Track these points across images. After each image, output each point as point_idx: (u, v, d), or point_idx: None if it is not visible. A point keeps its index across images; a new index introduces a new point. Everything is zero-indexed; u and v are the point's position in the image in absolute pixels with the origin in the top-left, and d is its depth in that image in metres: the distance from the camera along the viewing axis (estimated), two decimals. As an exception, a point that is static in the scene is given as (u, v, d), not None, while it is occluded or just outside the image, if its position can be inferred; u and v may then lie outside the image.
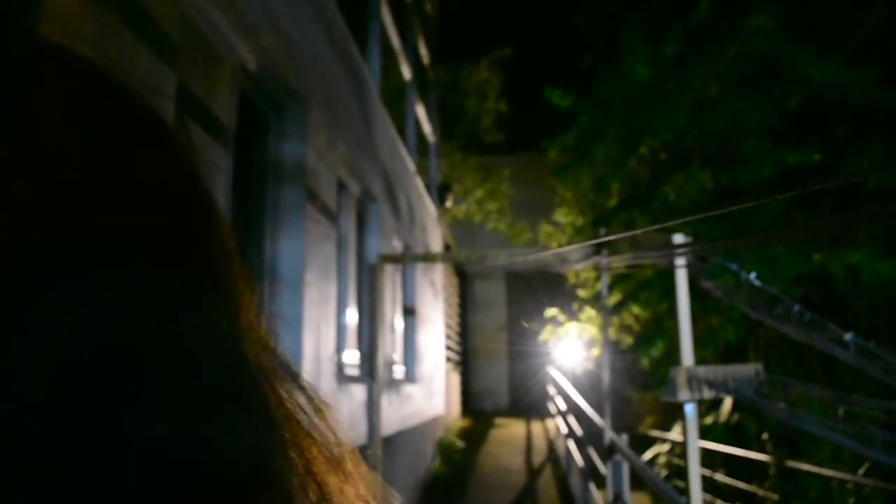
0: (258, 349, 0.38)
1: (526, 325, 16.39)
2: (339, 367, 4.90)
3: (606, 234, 5.19)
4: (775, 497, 8.91)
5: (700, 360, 2.99)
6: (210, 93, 2.86)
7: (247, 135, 3.43)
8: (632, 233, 2.83)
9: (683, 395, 2.68)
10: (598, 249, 4.73)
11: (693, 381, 2.71)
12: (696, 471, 2.71)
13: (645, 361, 8.92)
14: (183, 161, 0.38)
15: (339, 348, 4.97)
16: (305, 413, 0.40)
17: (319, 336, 3.93)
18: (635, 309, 11.68)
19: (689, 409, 2.77)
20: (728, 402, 11.70)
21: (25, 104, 0.31)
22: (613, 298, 11.11)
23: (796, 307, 2.99)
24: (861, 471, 8.26)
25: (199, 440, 0.31)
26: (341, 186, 5.11)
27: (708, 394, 2.75)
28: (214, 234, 0.38)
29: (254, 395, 0.35)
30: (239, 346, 0.36)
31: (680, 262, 2.80)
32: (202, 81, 2.76)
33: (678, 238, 2.89)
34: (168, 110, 2.27)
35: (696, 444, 2.77)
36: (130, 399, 0.29)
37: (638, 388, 13.34)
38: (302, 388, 0.41)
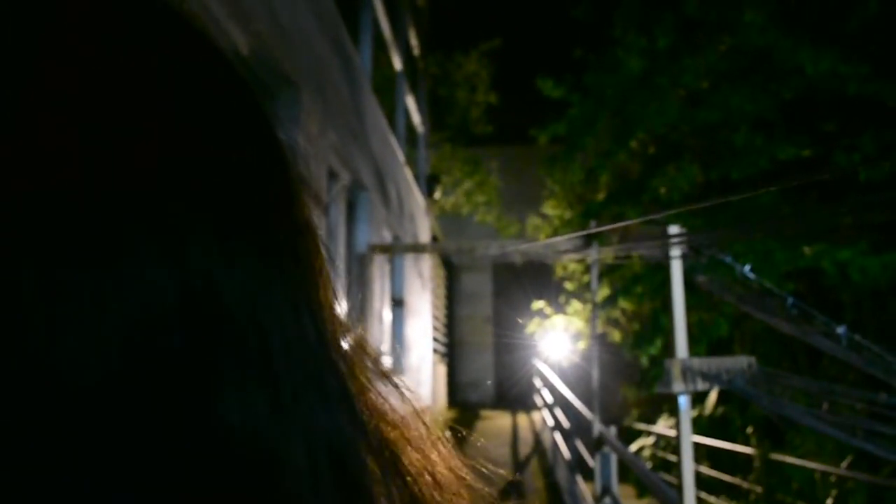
0: (337, 328, 0.37)
1: (517, 320, 16.40)
2: (329, 356, 4.87)
3: (597, 227, 5.19)
4: (759, 489, 8.97)
5: (692, 355, 2.99)
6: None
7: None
8: (625, 223, 2.82)
9: (678, 386, 2.67)
10: (588, 241, 4.71)
11: (688, 373, 2.71)
12: (689, 465, 2.71)
13: (644, 360, 8.92)
14: (267, 128, 0.37)
15: (329, 338, 4.95)
16: (389, 401, 0.39)
17: (310, 325, 3.90)
18: (622, 303, 11.69)
19: (683, 402, 2.77)
20: (713, 395, 11.77)
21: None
22: (602, 293, 11.11)
23: (790, 300, 2.99)
24: (844, 464, 8.33)
25: (274, 429, 0.30)
26: (332, 175, 5.08)
27: (702, 385, 2.74)
28: (296, 206, 0.37)
29: (334, 381, 0.34)
30: (320, 326, 0.35)
31: (675, 252, 2.80)
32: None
33: (673, 229, 2.88)
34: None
35: (690, 438, 2.77)
36: (209, 372, 0.29)
37: (625, 381, 13.39)
38: (384, 374, 0.40)
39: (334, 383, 0.34)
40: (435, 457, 0.40)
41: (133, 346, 0.27)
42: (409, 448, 0.38)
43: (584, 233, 3.11)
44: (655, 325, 7.85)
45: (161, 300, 0.28)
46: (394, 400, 0.39)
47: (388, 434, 0.37)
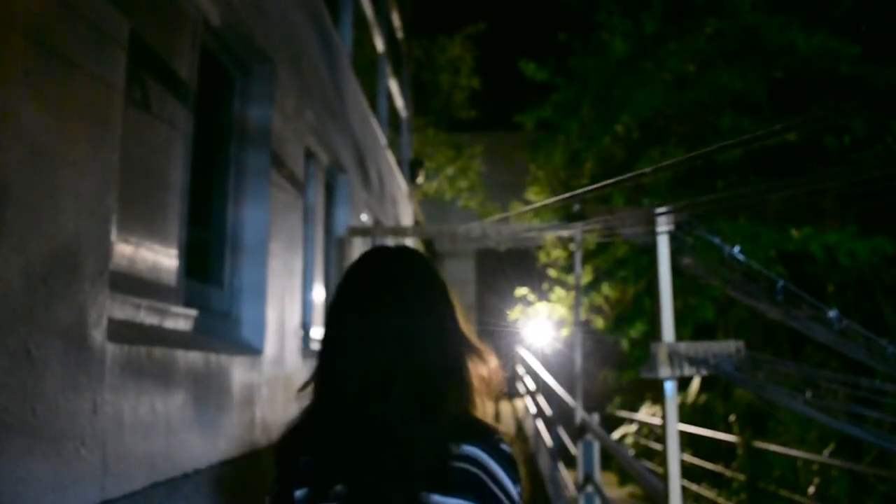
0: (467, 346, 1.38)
1: (501, 307, 16.30)
2: (305, 341, 4.74)
3: (580, 210, 5.07)
4: (742, 477, 8.94)
5: (677, 339, 2.88)
6: (169, 46, 2.67)
7: (209, 94, 3.24)
8: (607, 182, 2.69)
9: (664, 371, 2.56)
10: (572, 219, 4.59)
11: (674, 358, 2.60)
12: (675, 454, 2.61)
13: (624, 343, 8.84)
14: (439, 280, 1.45)
15: (305, 323, 4.81)
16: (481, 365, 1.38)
17: (284, 308, 3.77)
18: (605, 290, 11.61)
19: (669, 388, 2.66)
20: (696, 383, 11.75)
21: None
22: (585, 278, 11.02)
23: (780, 283, 2.87)
24: (826, 451, 8.31)
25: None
26: (309, 155, 4.93)
27: (689, 370, 2.64)
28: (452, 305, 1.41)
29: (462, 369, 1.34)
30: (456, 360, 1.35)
31: (661, 228, 2.68)
32: (160, 32, 2.57)
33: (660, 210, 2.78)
34: (119, 58, 2.09)
35: (676, 426, 2.67)
36: (386, 391, 1.27)
37: (609, 368, 13.35)
38: (478, 350, 1.38)
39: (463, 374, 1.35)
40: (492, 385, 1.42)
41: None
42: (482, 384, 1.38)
43: (571, 195, 2.99)
44: (637, 307, 7.76)
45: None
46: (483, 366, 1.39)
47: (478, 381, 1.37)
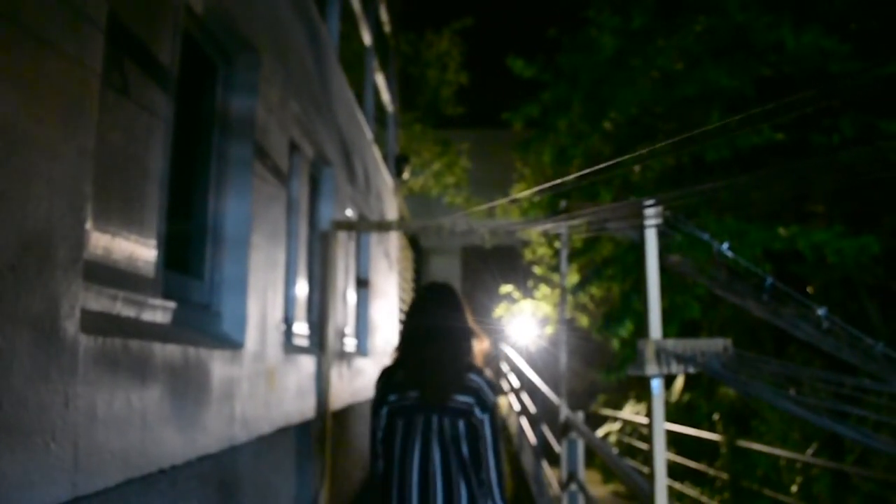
0: (473, 341, 3.14)
1: (486, 304, 16.24)
2: (287, 336, 4.67)
3: (567, 206, 5.03)
4: (725, 476, 8.95)
5: (663, 338, 2.85)
6: (149, 30, 2.59)
7: (191, 82, 3.17)
8: (600, 166, 2.66)
9: (651, 369, 2.53)
10: (558, 212, 4.54)
11: (661, 355, 2.57)
12: (661, 453, 2.57)
13: (615, 344, 8.80)
14: (459, 299, 3.22)
15: (288, 317, 4.74)
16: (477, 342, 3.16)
17: (266, 302, 3.70)
18: (592, 288, 11.59)
19: (656, 385, 2.62)
20: (680, 382, 11.77)
21: None
22: (571, 278, 11.00)
23: (769, 280, 2.84)
24: (809, 451, 8.34)
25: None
26: (294, 147, 4.86)
27: (676, 368, 2.60)
28: (464, 311, 3.16)
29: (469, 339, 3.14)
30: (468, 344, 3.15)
31: (649, 222, 2.64)
32: (140, 15, 2.50)
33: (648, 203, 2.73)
34: (97, 40, 2.02)
35: (663, 424, 2.63)
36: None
37: (594, 367, 13.35)
38: (478, 335, 3.17)
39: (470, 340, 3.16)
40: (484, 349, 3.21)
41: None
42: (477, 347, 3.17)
43: (558, 181, 2.97)
44: (626, 306, 7.72)
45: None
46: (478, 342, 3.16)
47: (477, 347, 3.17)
